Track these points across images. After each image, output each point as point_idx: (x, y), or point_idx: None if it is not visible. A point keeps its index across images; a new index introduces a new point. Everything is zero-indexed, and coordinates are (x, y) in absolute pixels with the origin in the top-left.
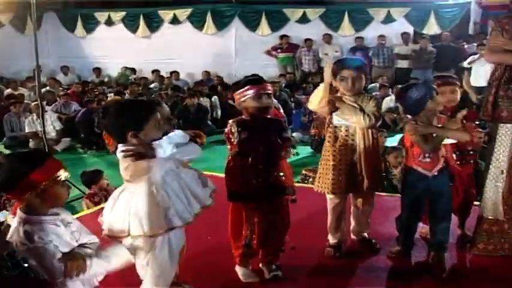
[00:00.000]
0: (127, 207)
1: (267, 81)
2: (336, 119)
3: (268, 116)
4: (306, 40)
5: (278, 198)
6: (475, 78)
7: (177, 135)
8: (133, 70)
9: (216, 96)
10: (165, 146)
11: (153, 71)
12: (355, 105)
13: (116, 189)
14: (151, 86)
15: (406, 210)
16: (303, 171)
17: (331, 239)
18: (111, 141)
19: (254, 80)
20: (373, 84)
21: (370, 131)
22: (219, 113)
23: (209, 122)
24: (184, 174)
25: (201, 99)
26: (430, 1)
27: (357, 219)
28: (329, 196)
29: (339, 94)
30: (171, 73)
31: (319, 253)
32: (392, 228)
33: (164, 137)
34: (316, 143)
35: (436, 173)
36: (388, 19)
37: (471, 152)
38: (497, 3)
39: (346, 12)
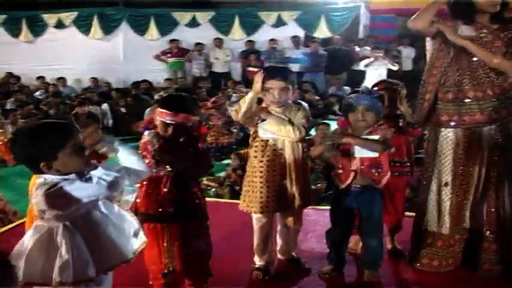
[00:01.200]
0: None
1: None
2: (263, 132)
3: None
4: (196, 44)
5: (198, 220)
6: (369, 81)
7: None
8: (17, 77)
9: (106, 104)
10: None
11: (37, 78)
12: (283, 117)
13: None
14: (36, 93)
15: (335, 225)
16: (204, 181)
17: (258, 261)
18: (7, 155)
19: (172, 104)
20: None
21: (299, 144)
22: (110, 121)
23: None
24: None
25: (91, 107)
26: (321, 5)
27: (284, 238)
28: (256, 215)
29: (264, 105)
30: (57, 80)
31: (246, 277)
32: (322, 245)
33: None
34: (214, 151)
35: (358, 186)
36: (279, 23)
37: (398, 164)
38: (384, 8)
39: (236, 16)
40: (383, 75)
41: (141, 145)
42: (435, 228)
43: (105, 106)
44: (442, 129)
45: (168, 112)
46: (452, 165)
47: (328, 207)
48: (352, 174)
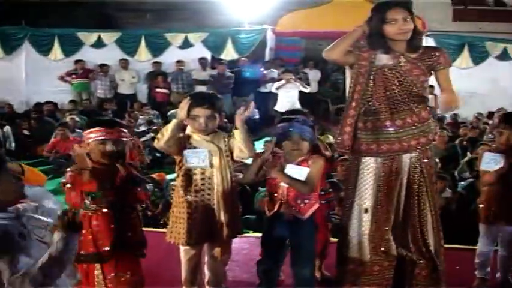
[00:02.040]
0: None
1: (122, 124)
2: (190, 161)
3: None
4: (101, 65)
5: (135, 251)
6: (280, 103)
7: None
8: None
9: (8, 126)
10: None
11: None
12: (213, 145)
13: None
14: None
15: (266, 255)
16: None
17: None
18: None
19: (102, 122)
20: (173, 111)
21: (228, 172)
22: (13, 144)
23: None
24: None
25: None
26: (227, 27)
27: (213, 269)
28: (183, 247)
29: (189, 132)
30: None
31: None
32: (249, 274)
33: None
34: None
35: (290, 215)
36: (186, 44)
37: (322, 192)
38: (289, 30)
39: (142, 37)
40: (295, 98)
41: (68, 178)
42: (356, 255)
43: (6, 128)
44: (363, 157)
45: (102, 128)
46: (372, 192)
47: (248, 234)
48: (278, 203)
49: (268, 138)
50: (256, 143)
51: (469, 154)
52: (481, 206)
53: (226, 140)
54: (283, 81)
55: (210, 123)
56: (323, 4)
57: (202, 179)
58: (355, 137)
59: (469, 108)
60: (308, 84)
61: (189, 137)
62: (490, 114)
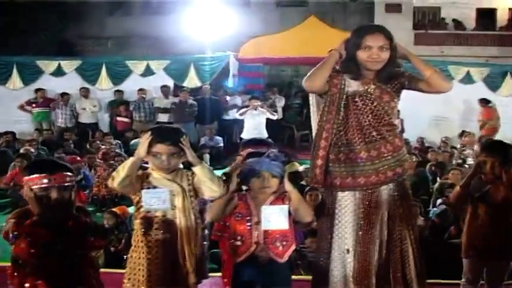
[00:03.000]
0: None
1: (66, 166)
2: (149, 202)
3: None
4: (62, 94)
5: None
6: (247, 131)
7: None
8: None
9: None
10: None
11: None
12: (175, 184)
13: None
14: None
15: None
16: None
17: None
18: None
19: (43, 166)
20: (135, 140)
21: (192, 214)
22: None
23: None
24: None
25: None
26: (189, 54)
27: None
28: None
29: (149, 170)
30: None
31: None
32: None
33: None
34: (96, 202)
35: (263, 258)
36: (148, 72)
37: None
38: (252, 57)
39: (103, 65)
40: (262, 125)
41: (11, 226)
42: None
43: None
44: (339, 192)
45: (42, 175)
46: (352, 230)
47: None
48: (254, 246)
49: (226, 170)
50: (221, 171)
51: (438, 179)
52: (463, 238)
53: (190, 178)
54: (247, 108)
55: (173, 161)
56: (286, 30)
57: (164, 221)
58: (327, 171)
59: (437, 132)
60: (275, 111)
61: (148, 175)
62: (460, 136)
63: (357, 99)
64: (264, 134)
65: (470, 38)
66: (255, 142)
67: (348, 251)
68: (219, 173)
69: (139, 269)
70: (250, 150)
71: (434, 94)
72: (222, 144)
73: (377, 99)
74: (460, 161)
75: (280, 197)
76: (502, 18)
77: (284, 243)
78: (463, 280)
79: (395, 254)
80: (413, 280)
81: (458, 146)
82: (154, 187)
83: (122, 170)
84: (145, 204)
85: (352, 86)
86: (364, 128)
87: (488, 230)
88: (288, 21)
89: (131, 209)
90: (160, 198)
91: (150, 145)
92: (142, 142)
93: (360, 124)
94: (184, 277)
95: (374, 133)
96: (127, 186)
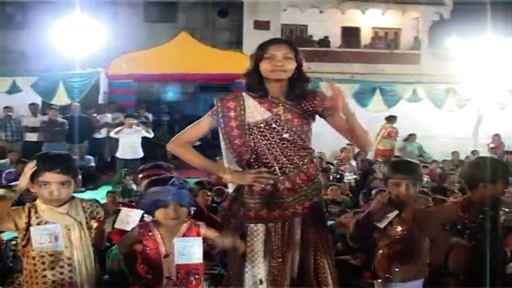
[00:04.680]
0: None
1: None
2: (39, 241)
3: None
4: None
5: None
6: (122, 150)
7: None
8: None
9: None
10: None
11: None
12: (69, 217)
13: None
14: None
15: None
16: None
17: None
18: None
19: None
20: (2, 161)
21: (91, 249)
22: None
23: None
24: None
25: None
26: (58, 71)
27: None
28: None
29: (38, 202)
30: None
31: None
32: None
33: None
34: None
35: None
36: (14, 89)
37: None
38: (122, 73)
39: None
40: (137, 143)
41: None
42: None
43: None
44: (250, 225)
45: None
46: (264, 261)
47: None
48: (165, 282)
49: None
50: (94, 192)
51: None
52: (375, 260)
53: (87, 207)
54: (122, 126)
55: (64, 192)
56: (156, 46)
57: (60, 259)
58: (240, 201)
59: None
60: (151, 129)
61: (35, 209)
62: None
63: (263, 128)
64: (140, 153)
65: (337, 55)
66: (153, 167)
67: (261, 281)
68: (91, 193)
69: None
70: (151, 177)
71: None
72: (93, 164)
73: (288, 123)
74: (338, 176)
75: (192, 227)
76: (366, 36)
77: (196, 276)
78: None
79: (309, 283)
80: None
81: (335, 161)
82: (46, 223)
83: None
84: (35, 244)
85: (255, 116)
86: (275, 159)
87: (400, 255)
88: (157, 37)
89: (7, 236)
90: (51, 235)
91: (37, 174)
92: (25, 171)
93: (271, 154)
94: None
95: (286, 163)
96: (3, 223)
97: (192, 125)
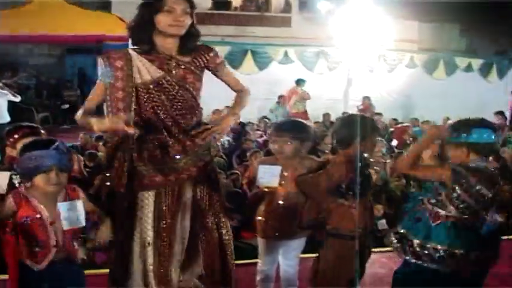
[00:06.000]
0: None
1: None
2: None
3: None
4: None
5: None
6: None
7: None
8: None
9: None
10: None
11: None
12: None
13: None
14: None
15: None
16: None
17: None
18: None
19: None
20: None
21: None
22: None
23: None
24: None
25: None
26: None
27: None
28: None
29: None
30: None
31: None
32: None
33: None
34: None
35: (61, 265)
36: None
37: None
38: None
39: None
40: (3, 107)
41: None
42: None
43: None
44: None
45: None
46: (153, 224)
47: None
48: (53, 251)
49: None
50: None
51: None
52: (259, 219)
53: None
54: None
55: None
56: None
57: None
58: (135, 170)
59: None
60: (17, 93)
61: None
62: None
63: (151, 89)
64: (6, 118)
65: (207, 18)
66: (29, 127)
67: (148, 243)
68: None
69: None
70: (25, 140)
71: None
72: None
73: (181, 80)
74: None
75: (70, 191)
76: None
77: (79, 240)
78: (259, 261)
79: (210, 243)
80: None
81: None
82: None
83: None
84: None
85: (144, 74)
86: (164, 120)
87: (282, 211)
88: None
89: None
90: None
91: None
92: None
93: (159, 116)
94: None
95: (176, 124)
96: None
97: (89, 95)
